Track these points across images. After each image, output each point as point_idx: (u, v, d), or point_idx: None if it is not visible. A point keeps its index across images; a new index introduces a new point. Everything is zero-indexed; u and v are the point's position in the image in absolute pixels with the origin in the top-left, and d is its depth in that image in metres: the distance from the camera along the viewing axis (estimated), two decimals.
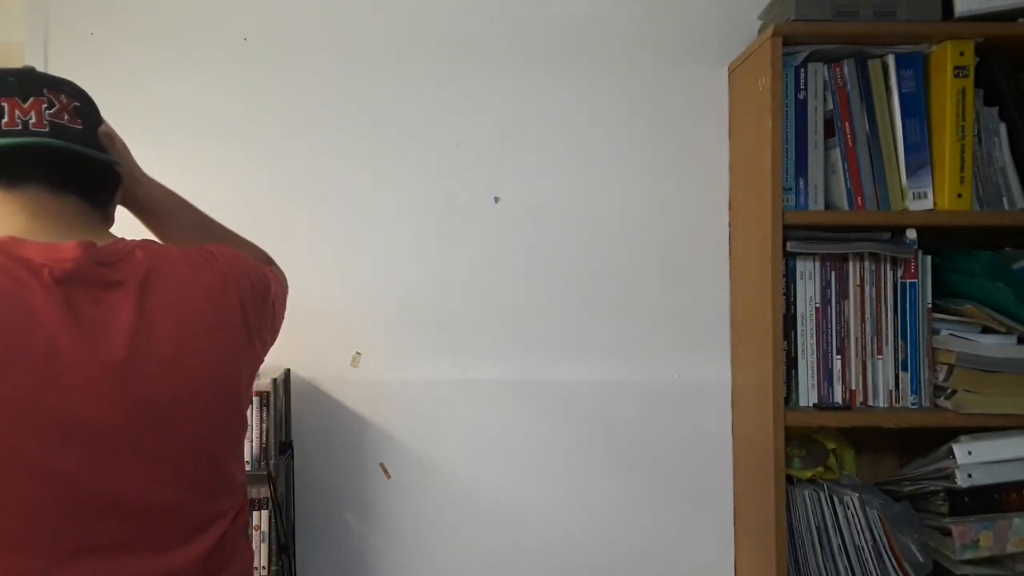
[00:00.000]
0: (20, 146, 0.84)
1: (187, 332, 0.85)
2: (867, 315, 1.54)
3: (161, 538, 0.84)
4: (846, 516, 1.54)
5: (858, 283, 1.54)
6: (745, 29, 1.73)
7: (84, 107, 0.91)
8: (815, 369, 1.54)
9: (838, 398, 1.54)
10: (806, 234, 1.52)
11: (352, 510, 1.80)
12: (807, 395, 1.54)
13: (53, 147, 0.85)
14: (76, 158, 0.88)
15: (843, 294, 1.55)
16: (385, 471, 1.80)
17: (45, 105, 0.86)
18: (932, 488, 1.52)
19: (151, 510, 0.83)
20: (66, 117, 0.87)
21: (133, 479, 0.81)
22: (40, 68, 1.74)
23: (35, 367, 0.75)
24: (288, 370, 1.76)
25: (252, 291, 0.97)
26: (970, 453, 1.46)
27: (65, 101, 0.88)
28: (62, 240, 0.82)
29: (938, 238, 1.57)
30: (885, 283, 1.54)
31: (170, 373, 0.83)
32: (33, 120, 0.85)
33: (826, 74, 1.52)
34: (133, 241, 0.91)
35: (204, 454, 0.88)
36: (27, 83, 0.86)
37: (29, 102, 0.85)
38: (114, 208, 0.98)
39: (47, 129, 0.85)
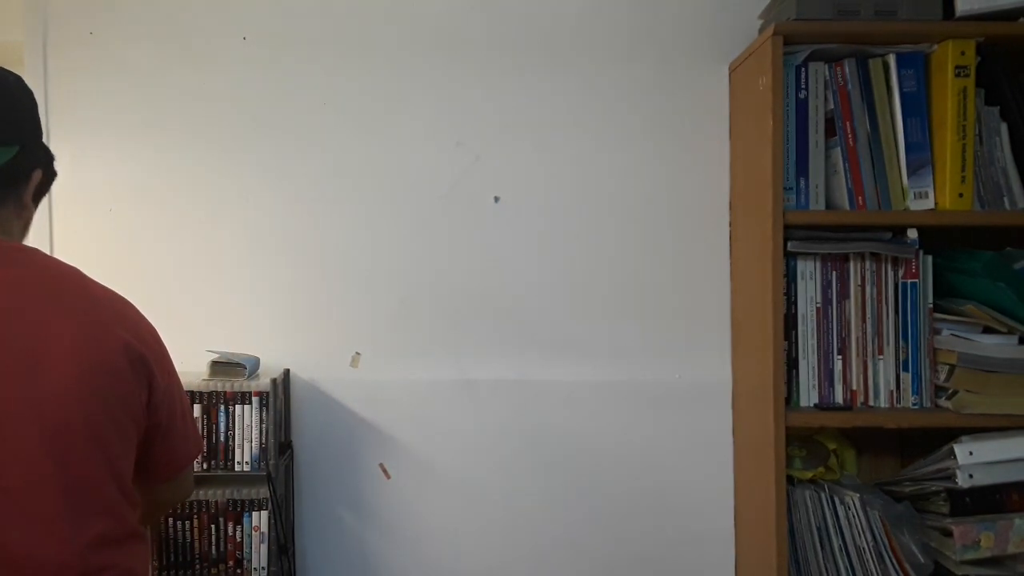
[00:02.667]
0: None
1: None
2: (868, 315, 1.54)
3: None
4: (847, 516, 1.54)
5: (859, 283, 1.54)
6: (745, 28, 1.72)
7: None
8: (816, 369, 1.54)
9: (839, 398, 1.54)
10: (807, 234, 1.51)
11: (352, 510, 1.79)
12: (808, 395, 1.54)
13: None
14: None
15: (844, 294, 1.54)
16: (385, 471, 1.79)
17: None
18: (933, 488, 1.52)
19: None
20: None
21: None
22: (39, 68, 1.75)
23: None
24: (288, 370, 1.76)
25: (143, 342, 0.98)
26: (971, 453, 1.45)
27: None
28: None
29: (939, 238, 1.57)
30: (886, 283, 1.54)
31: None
32: None
33: (827, 73, 1.52)
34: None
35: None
36: None
37: None
38: (27, 194, 0.98)
39: None
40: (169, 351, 1.02)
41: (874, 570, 1.51)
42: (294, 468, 1.77)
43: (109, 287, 0.98)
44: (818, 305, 1.54)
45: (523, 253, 1.78)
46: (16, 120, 0.95)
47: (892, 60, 1.50)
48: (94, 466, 0.91)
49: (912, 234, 1.52)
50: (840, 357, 1.54)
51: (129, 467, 0.96)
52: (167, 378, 1.00)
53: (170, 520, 1.59)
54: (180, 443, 1.05)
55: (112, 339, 0.92)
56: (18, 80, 0.97)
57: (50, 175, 1.01)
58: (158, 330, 1.01)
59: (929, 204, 1.50)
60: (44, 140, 1.01)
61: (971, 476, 1.45)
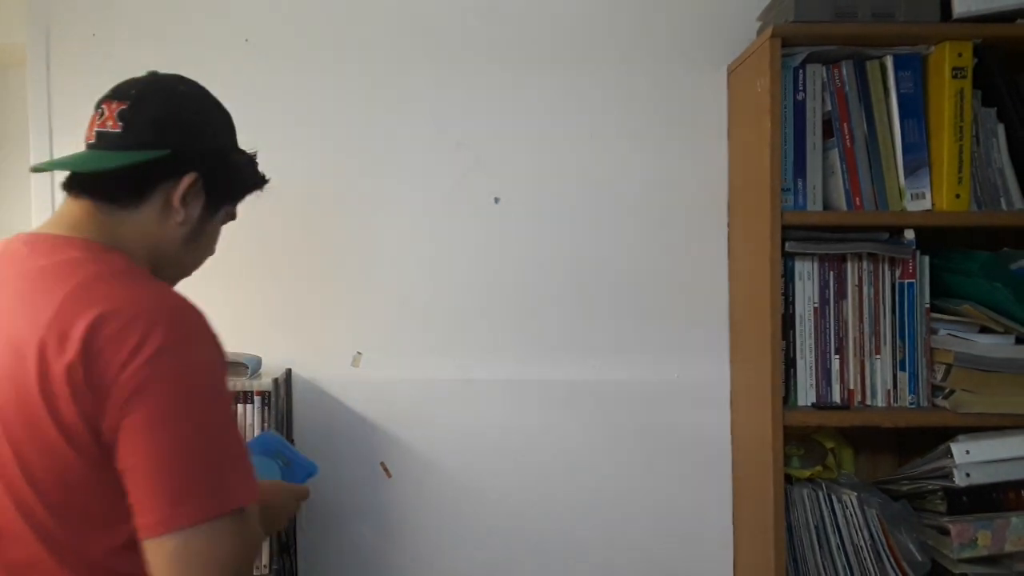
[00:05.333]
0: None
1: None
2: (865, 315, 1.55)
3: None
4: (844, 515, 1.54)
5: (856, 283, 1.55)
6: (744, 30, 1.73)
7: (129, 109, 0.93)
8: (813, 369, 1.55)
9: (836, 398, 1.55)
10: (804, 234, 1.52)
11: (352, 510, 1.80)
12: (805, 395, 1.55)
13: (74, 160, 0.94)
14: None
15: (841, 294, 1.55)
16: (386, 470, 1.80)
17: (97, 115, 0.94)
18: (930, 487, 1.53)
19: None
20: (109, 124, 0.93)
21: None
22: (42, 70, 1.76)
23: None
24: (289, 370, 1.77)
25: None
26: (968, 452, 1.46)
27: (114, 107, 0.93)
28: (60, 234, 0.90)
29: (936, 238, 1.57)
30: (883, 283, 1.55)
31: None
32: (88, 134, 0.95)
33: (824, 75, 1.52)
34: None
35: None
36: (103, 98, 0.95)
37: (91, 117, 0.95)
38: (175, 198, 0.95)
39: (94, 140, 0.94)
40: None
41: (872, 568, 1.51)
42: None
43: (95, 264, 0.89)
44: (816, 305, 1.55)
45: (523, 253, 1.79)
46: (161, 123, 0.93)
47: (889, 62, 1.51)
48: (8, 512, 0.82)
49: (909, 235, 1.53)
50: (838, 357, 1.55)
51: (69, 515, 0.81)
52: (129, 386, 0.78)
53: None
54: (148, 482, 0.77)
55: (28, 347, 0.80)
56: (179, 85, 0.99)
57: (215, 178, 1.00)
58: None
59: (926, 205, 1.50)
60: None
61: (968, 475, 1.45)
